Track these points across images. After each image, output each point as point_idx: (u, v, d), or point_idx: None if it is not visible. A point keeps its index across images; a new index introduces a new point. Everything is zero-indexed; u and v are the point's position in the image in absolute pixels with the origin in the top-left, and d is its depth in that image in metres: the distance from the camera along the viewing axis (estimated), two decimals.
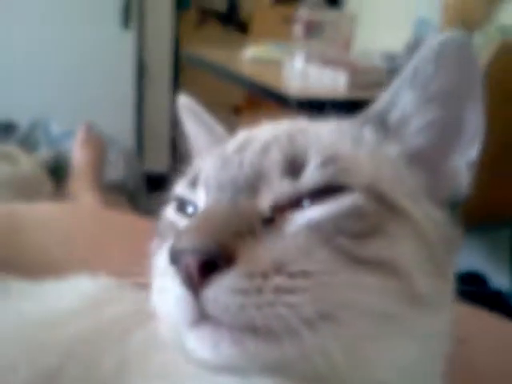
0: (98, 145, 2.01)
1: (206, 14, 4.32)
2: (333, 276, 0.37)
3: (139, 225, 0.70)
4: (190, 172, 0.49)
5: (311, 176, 0.41)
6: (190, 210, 0.46)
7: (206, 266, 0.35)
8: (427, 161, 0.45)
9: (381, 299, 0.38)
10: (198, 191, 0.45)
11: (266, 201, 0.40)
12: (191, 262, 0.35)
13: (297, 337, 0.35)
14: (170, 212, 0.48)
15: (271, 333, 0.35)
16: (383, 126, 0.46)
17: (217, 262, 0.35)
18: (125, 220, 0.73)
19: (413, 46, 2.44)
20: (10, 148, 1.94)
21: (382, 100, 0.47)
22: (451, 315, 0.45)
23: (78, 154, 1.95)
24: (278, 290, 0.35)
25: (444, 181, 0.46)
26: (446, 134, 0.46)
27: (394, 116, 0.46)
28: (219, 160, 0.45)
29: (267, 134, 0.46)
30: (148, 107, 3.84)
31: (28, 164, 1.85)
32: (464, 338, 0.49)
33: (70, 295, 0.49)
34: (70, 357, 0.41)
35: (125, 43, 3.54)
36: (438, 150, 0.46)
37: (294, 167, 0.41)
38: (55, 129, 2.31)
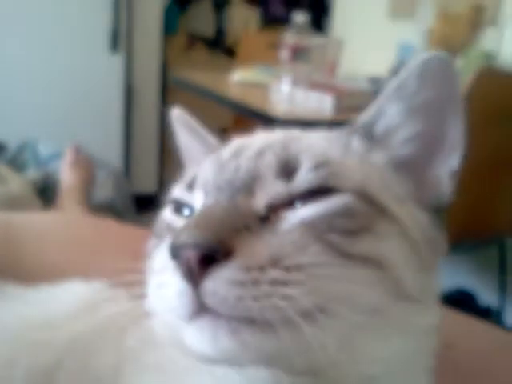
0: (87, 166, 2.01)
1: (194, 39, 4.37)
2: (325, 269, 0.39)
3: (133, 232, 0.72)
4: (186, 177, 0.51)
5: (304, 178, 0.43)
6: (186, 212, 0.48)
7: (206, 259, 0.37)
8: (412, 169, 0.48)
9: (370, 293, 0.40)
10: (195, 193, 0.47)
11: (261, 201, 0.43)
12: (191, 255, 0.37)
13: (294, 328, 0.37)
14: (166, 214, 0.50)
15: (268, 324, 0.37)
16: (370, 136, 0.49)
17: (216, 255, 0.37)
18: (118, 227, 0.74)
19: (397, 70, 2.48)
20: (0, 167, 1.94)
21: (369, 112, 0.50)
22: (437, 315, 0.47)
23: (66, 175, 1.95)
24: (275, 282, 0.37)
25: (428, 187, 0.48)
26: (429, 145, 0.48)
27: (381, 126, 0.49)
28: (216, 164, 0.47)
29: (261, 141, 0.49)
30: (136, 129, 3.86)
31: (17, 183, 1.86)
32: (451, 343, 0.51)
33: (65, 298, 0.50)
34: (66, 355, 0.41)
35: (113, 67, 3.56)
36: (422, 159, 0.49)
37: (287, 170, 0.44)
38: (43, 150, 2.31)
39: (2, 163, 2.10)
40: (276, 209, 0.42)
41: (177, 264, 0.38)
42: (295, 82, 2.22)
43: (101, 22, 3.44)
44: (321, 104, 2.10)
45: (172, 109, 0.61)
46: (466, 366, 0.57)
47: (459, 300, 2.14)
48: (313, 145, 0.47)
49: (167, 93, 4.00)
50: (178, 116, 0.60)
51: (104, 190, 2.21)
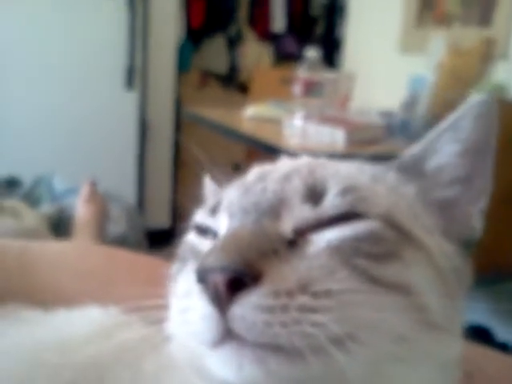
0: (101, 201, 2.02)
1: (207, 76, 4.43)
2: (353, 295, 0.38)
3: (146, 260, 0.72)
4: (208, 203, 0.51)
5: (331, 203, 0.43)
6: (209, 237, 0.48)
7: (234, 283, 0.36)
8: (445, 206, 0.48)
9: (397, 320, 0.40)
10: (220, 217, 0.46)
11: (288, 225, 0.42)
12: (219, 279, 0.36)
13: (324, 355, 0.36)
14: (190, 237, 0.50)
15: (296, 351, 0.36)
16: (415, 170, 0.49)
17: (244, 279, 0.36)
18: (131, 256, 0.74)
19: (409, 104, 2.50)
20: (14, 202, 1.96)
21: (417, 147, 0.50)
22: (461, 346, 0.46)
23: (81, 210, 1.97)
24: (303, 308, 0.37)
25: (457, 222, 0.48)
26: (468, 185, 0.49)
27: (433, 163, 0.49)
28: (241, 188, 0.47)
29: (287, 166, 0.49)
30: (150, 165, 3.90)
31: (31, 218, 1.87)
32: (469, 371, 0.50)
33: (81, 322, 0.50)
34: (82, 378, 0.41)
35: (128, 103, 3.62)
36: (457, 198, 0.49)
37: (314, 194, 0.44)
38: (58, 185, 2.33)
39: (17, 198, 2.13)
40: (303, 233, 0.42)
41: (203, 288, 0.38)
42: (308, 116, 2.23)
43: (116, 59, 3.51)
44: (333, 138, 2.10)
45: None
46: None
47: (475, 335, 2.09)
48: (340, 171, 0.47)
49: (181, 129, 4.04)
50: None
51: (117, 225, 2.22)
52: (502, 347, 2.21)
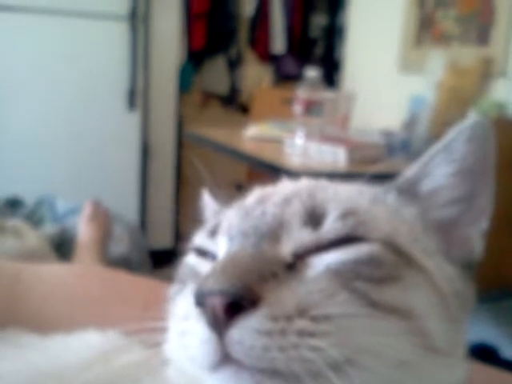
0: (104, 220, 2.02)
1: (208, 97, 4.46)
2: (353, 320, 0.38)
3: (144, 283, 0.71)
4: (207, 225, 0.50)
5: (331, 227, 0.43)
6: (208, 259, 0.47)
7: (232, 307, 0.36)
8: (444, 227, 0.48)
9: (398, 344, 0.39)
10: (219, 240, 0.46)
11: (287, 248, 0.42)
12: (217, 303, 0.36)
13: (322, 380, 0.36)
14: (190, 258, 0.50)
15: (294, 376, 0.36)
16: (411, 193, 0.49)
17: (242, 303, 0.36)
18: (128, 279, 0.74)
19: (409, 123, 2.52)
20: (16, 223, 1.96)
21: (412, 170, 0.50)
22: (465, 370, 0.46)
23: (83, 230, 1.97)
24: (302, 333, 0.36)
25: (458, 244, 0.48)
26: (465, 207, 0.49)
27: (427, 186, 0.49)
28: (241, 211, 0.47)
29: (287, 188, 0.49)
30: (152, 185, 3.91)
31: (33, 238, 1.87)
32: None
33: (79, 347, 0.49)
34: None
35: (130, 124, 3.64)
36: (455, 219, 0.49)
37: (314, 218, 0.43)
38: (60, 205, 2.34)
39: (19, 218, 2.13)
40: (302, 256, 0.41)
41: (202, 311, 0.37)
42: (308, 136, 2.25)
43: (118, 81, 3.54)
44: (334, 156, 2.12)
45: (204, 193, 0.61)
46: None
47: (480, 354, 2.08)
48: (340, 194, 0.47)
49: (183, 150, 4.06)
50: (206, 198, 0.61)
51: (120, 245, 2.22)
52: (508, 365, 2.20)
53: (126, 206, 3.58)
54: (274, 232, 0.43)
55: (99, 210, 2.04)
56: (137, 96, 3.59)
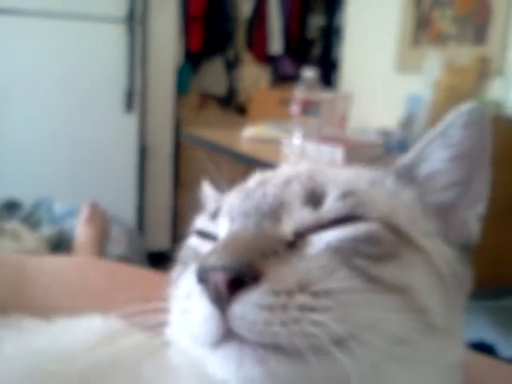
0: (102, 222, 2.03)
1: (206, 98, 4.46)
2: (353, 295, 0.38)
3: (144, 275, 0.71)
4: (208, 208, 0.51)
5: (331, 206, 0.43)
6: (210, 241, 0.48)
7: (234, 282, 0.37)
8: (442, 210, 0.49)
9: (397, 321, 0.40)
10: (220, 222, 0.47)
11: (288, 227, 0.43)
12: (220, 278, 0.37)
13: (326, 355, 0.36)
14: (192, 241, 0.50)
15: (297, 351, 0.36)
16: (408, 177, 0.50)
17: (244, 279, 0.37)
18: (129, 270, 0.74)
19: (406, 122, 2.52)
20: (14, 225, 1.97)
21: (409, 155, 0.51)
22: (462, 352, 0.46)
23: (81, 231, 1.97)
24: (303, 308, 0.37)
25: (455, 227, 0.49)
26: (462, 191, 0.49)
27: (424, 170, 0.50)
28: (242, 193, 0.48)
29: (287, 172, 0.50)
30: (150, 187, 3.91)
31: (31, 240, 1.88)
32: (471, 380, 0.50)
33: (81, 330, 0.49)
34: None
35: (128, 126, 3.64)
36: (453, 203, 0.49)
37: (314, 198, 0.44)
38: (58, 208, 2.34)
39: (17, 221, 2.13)
40: (303, 235, 0.42)
41: (204, 288, 0.38)
42: (306, 136, 2.25)
43: (116, 82, 3.55)
44: (332, 156, 2.12)
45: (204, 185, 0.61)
46: None
47: (479, 352, 2.08)
48: (339, 176, 0.48)
49: (180, 151, 4.06)
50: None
51: (117, 246, 2.23)
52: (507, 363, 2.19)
53: (124, 207, 3.58)
54: (275, 212, 0.43)
55: (97, 211, 2.05)
56: (134, 98, 3.60)
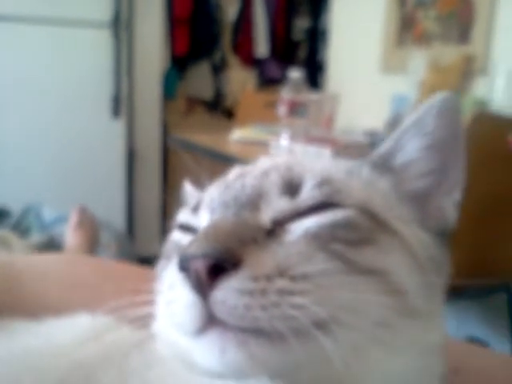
0: (91, 227, 2.01)
1: (193, 102, 4.46)
2: (330, 278, 0.39)
3: (134, 270, 0.72)
4: (190, 203, 0.52)
5: (308, 195, 0.44)
6: (191, 234, 0.49)
7: (214, 269, 0.38)
8: (418, 198, 0.49)
9: (375, 304, 0.40)
10: (201, 214, 0.48)
11: (266, 216, 0.44)
12: (200, 266, 0.38)
13: (307, 338, 0.37)
14: (174, 235, 0.51)
15: (278, 334, 0.37)
16: (384, 167, 0.50)
17: (224, 265, 0.38)
18: (119, 266, 0.74)
19: (392, 122, 2.54)
20: (3, 232, 1.96)
21: (385, 145, 0.52)
22: (443, 335, 0.47)
23: (70, 238, 1.96)
24: (282, 291, 0.38)
25: (432, 214, 0.49)
26: (438, 179, 0.50)
27: (399, 160, 0.51)
28: (222, 186, 0.49)
29: (266, 164, 0.51)
30: (138, 192, 3.91)
31: (21, 248, 1.86)
32: (456, 367, 0.51)
33: (70, 328, 0.50)
34: (69, 377, 0.41)
35: (115, 131, 3.63)
36: (428, 191, 0.50)
37: (291, 187, 0.45)
38: (47, 214, 2.33)
39: (6, 229, 2.12)
40: (281, 223, 0.43)
41: (185, 275, 0.39)
42: (293, 137, 2.26)
43: (102, 88, 3.54)
44: (319, 157, 2.13)
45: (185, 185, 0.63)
46: None
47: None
48: (316, 166, 0.49)
49: (168, 156, 4.06)
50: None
51: (108, 252, 2.22)
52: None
53: (113, 212, 3.57)
54: (254, 202, 0.45)
55: (86, 217, 2.03)
56: (121, 103, 3.59)
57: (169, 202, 3.97)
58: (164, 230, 0.56)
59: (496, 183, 1.72)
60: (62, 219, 2.25)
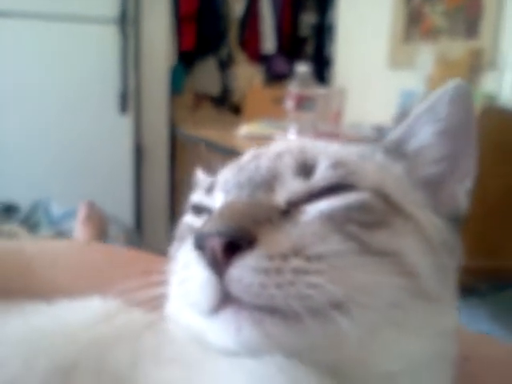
0: (100, 222, 2.02)
1: (200, 98, 4.46)
2: (345, 259, 0.39)
3: (140, 255, 0.72)
4: (203, 184, 0.53)
5: (322, 176, 0.45)
6: (205, 215, 0.49)
7: (230, 247, 0.38)
8: (431, 184, 0.50)
9: (389, 285, 0.41)
10: (215, 195, 0.48)
11: (281, 197, 0.44)
12: (216, 243, 0.38)
13: (323, 318, 0.37)
14: (188, 217, 0.51)
15: (294, 314, 0.37)
16: (398, 152, 0.51)
17: (240, 243, 0.38)
18: (129, 252, 0.74)
19: (400, 117, 2.53)
20: (13, 227, 1.96)
21: (398, 131, 0.52)
22: (455, 319, 0.47)
23: (79, 231, 1.96)
24: (297, 270, 0.38)
25: (444, 200, 0.50)
26: (450, 165, 0.51)
27: (413, 145, 0.51)
28: (236, 167, 0.49)
29: (279, 147, 0.51)
30: (146, 187, 3.92)
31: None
32: (467, 355, 0.51)
33: (82, 310, 0.50)
34: (83, 355, 0.41)
35: (123, 127, 3.64)
36: (441, 177, 0.51)
37: (305, 169, 0.45)
38: (56, 209, 2.33)
39: (15, 224, 2.13)
40: (296, 204, 0.43)
41: (201, 254, 0.39)
42: (301, 131, 2.26)
43: (110, 84, 3.54)
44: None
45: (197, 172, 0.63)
46: (483, 377, 0.56)
47: None
48: (330, 149, 0.49)
49: (176, 151, 4.06)
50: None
51: (116, 243, 2.22)
52: None
53: (121, 208, 3.58)
54: (268, 183, 0.45)
55: (94, 211, 2.04)
56: (129, 99, 3.60)
57: (176, 197, 3.98)
58: (172, 226, 0.56)
59: (505, 176, 1.72)
60: (70, 214, 2.25)
